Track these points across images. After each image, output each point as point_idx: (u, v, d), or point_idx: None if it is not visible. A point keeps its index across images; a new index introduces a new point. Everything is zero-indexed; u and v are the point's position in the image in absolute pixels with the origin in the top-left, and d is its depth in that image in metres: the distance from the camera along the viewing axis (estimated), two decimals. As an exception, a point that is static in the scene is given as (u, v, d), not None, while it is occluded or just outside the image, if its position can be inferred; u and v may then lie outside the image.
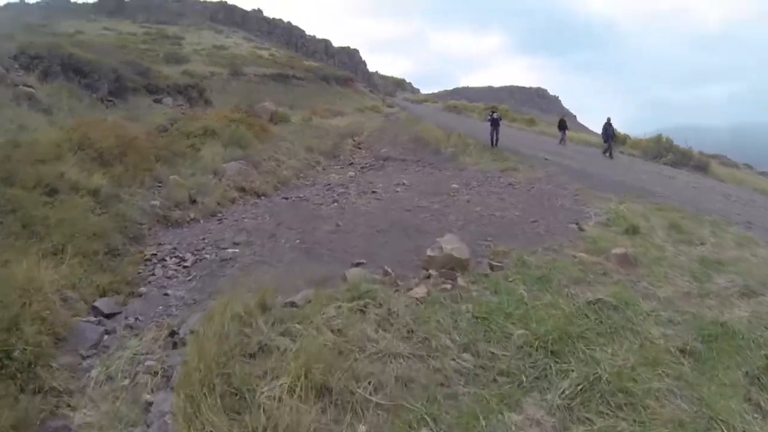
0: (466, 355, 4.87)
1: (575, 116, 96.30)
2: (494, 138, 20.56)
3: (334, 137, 25.50)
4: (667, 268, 7.27)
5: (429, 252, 7.17)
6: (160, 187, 12.76)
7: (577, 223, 9.73)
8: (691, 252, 8.27)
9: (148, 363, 5.08)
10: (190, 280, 7.47)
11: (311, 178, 17.43)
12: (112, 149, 12.23)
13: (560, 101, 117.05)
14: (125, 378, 4.93)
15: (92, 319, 6.22)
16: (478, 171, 16.24)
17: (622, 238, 8.69)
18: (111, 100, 21.93)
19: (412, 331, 5.17)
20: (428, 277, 6.68)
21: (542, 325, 5.16)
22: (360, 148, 24.33)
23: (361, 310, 5.47)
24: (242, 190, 14.44)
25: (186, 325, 5.69)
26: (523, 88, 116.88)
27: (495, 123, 20.61)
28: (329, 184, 15.04)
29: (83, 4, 69.84)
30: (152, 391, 4.70)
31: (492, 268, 7.07)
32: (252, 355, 4.68)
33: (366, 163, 19.70)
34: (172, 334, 5.66)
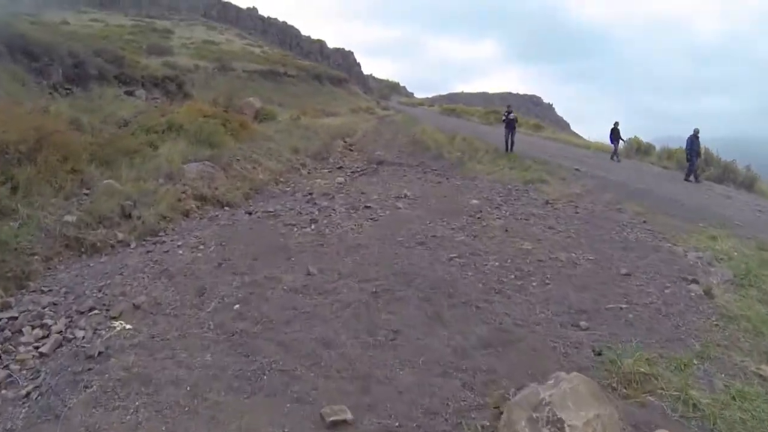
0: None
1: (568, 124, 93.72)
2: (509, 142, 17.31)
3: (324, 138, 22.25)
4: None
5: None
6: (88, 195, 9.48)
7: (693, 281, 6.52)
8: None
9: None
10: (25, 398, 3.93)
11: (293, 183, 14.16)
12: (18, 144, 8.90)
13: (554, 109, 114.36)
14: None
15: None
16: (495, 181, 13.06)
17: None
18: (68, 89, 18.59)
19: None
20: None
21: None
22: (351, 150, 21.10)
23: None
24: (201, 198, 11.16)
25: None
26: (517, 95, 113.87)
27: (511, 125, 17.33)
28: (311, 194, 11.76)
29: (74, -4, 66.03)
30: None
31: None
32: None
33: (358, 167, 16.44)
34: None
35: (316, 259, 7.19)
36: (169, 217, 9.64)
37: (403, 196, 11.01)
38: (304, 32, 78.02)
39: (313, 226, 8.89)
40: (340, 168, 17.01)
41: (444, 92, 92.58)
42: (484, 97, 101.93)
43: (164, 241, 8.20)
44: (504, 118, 17.81)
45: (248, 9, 72.07)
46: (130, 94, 22.70)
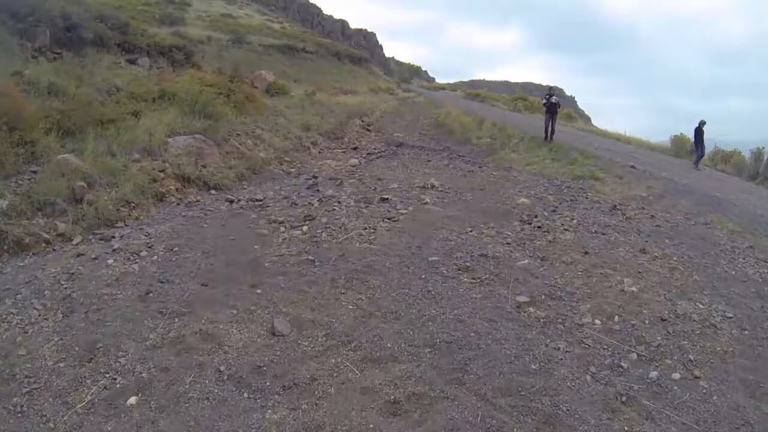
0: None
1: (590, 118, 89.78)
2: (550, 130, 14.77)
3: (340, 116, 19.99)
4: None
5: None
6: (36, 173, 7.40)
7: None
8: None
9: None
10: None
11: (299, 164, 11.99)
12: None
13: (576, 101, 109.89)
14: None
15: None
16: (538, 174, 10.69)
17: None
18: (58, 53, 16.52)
19: None
20: None
21: None
22: (369, 131, 18.84)
23: None
24: (184, 179, 9.04)
25: None
26: (540, 85, 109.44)
27: (552, 109, 14.68)
28: (315, 177, 9.57)
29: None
30: None
31: None
32: None
33: (375, 149, 14.20)
34: None
35: (295, 293, 4.77)
36: (134, 203, 7.52)
37: (429, 186, 8.70)
38: (327, 12, 75.14)
39: (306, 227, 6.60)
40: (355, 149, 14.79)
41: (465, 78, 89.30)
42: (506, 86, 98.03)
43: (114, 237, 6.07)
44: (544, 102, 15.17)
45: (270, -15, 69.14)
46: (132, 62, 20.54)
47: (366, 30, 78.19)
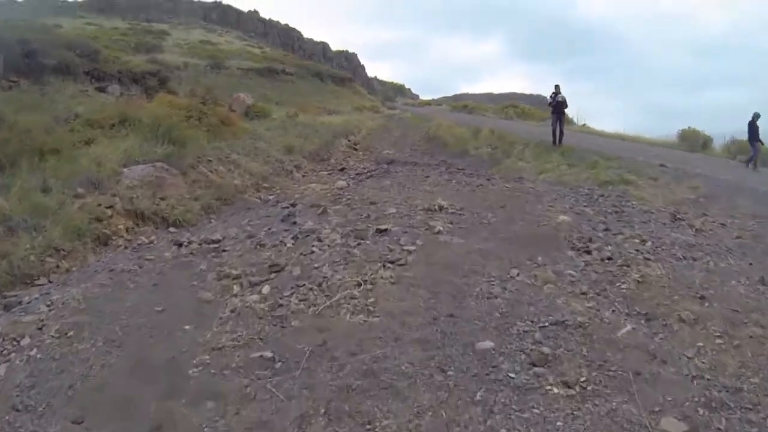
0: None
1: (585, 120, 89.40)
2: (558, 132, 13.43)
3: (325, 136, 18.51)
4: None
5: None
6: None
7: None
8: None
9: None
10: None
11: (279, 190, 10.43)
12: None
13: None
14: None
15: None
16: (557, 183, 9.17)
17: None
18: (14, 81, 14.97)
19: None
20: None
21: None
22: (356, 149, 17.40)
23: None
24: (137, 216, 7.43)
25: None
26: (523, 95, 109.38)
27: (559, 109, 13.26)
28: (293, 206, 7.92)
29: (73, 2, 62.86)
30: None
31: None
32: None
33: (364, 168, 12.70)
34: None
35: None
36: (65, 251, 5.89)
37: (436, 207, 6.94)
38: (307, 35, 74.46)
39: (268, 286, 4.72)
40: (342, 170, 13.27)
41: (449, 93, 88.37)
42: (489, 98, 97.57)
43: (21, 302, 4.43)
44: (550, 101, 13.61)
45: (249, 12, 68.27)
46: (101, 90, 19.01)
47: (347, 51, 77.70)
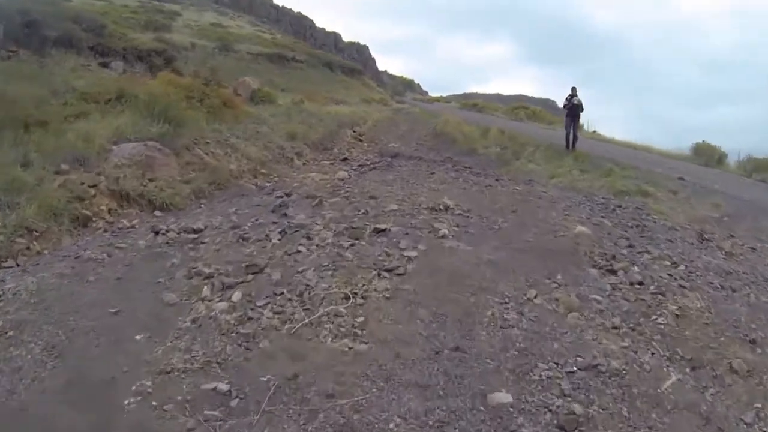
0: None
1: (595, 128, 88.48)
2: (572, 136, 12.78)
3: (330, 125, 18.01)
4: None
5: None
6: None
7: None
8: None
9: None
10: None
11: (276, 177, 9.95)
12: None
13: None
14: None
15: None
16: (568, 189, 8.64)
17: None
18: (13, 51, 14.49)
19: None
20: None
21: None
22: (361, 141, 16.90)
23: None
24: (122, 197, 6.96)
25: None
26: (531, 98, 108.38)
27: (574, 112, 12.64)
28: (287, 195, 7.40)
29: (86, -22, 62.10)
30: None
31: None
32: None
33: (367, 160, 12.22)
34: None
35: None
36: (37, 231, 5.43)
37: (442, 207, 6.37)
38: (319, 24, 73.69)
39: (240, 292, 4.09)
40: (344, 160, 12.80)
41: (458, 92, 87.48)
42: (499, 98, 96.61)
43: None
44: (566, 103, 12.85)
45: (263, -3, 67.56)
46: (104, 65, 18.53)
47: (359, 43, 76.82)
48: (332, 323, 3.72)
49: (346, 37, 75.80)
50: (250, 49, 32.40)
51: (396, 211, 6.25)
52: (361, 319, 3.78)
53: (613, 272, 4.91)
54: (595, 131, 21.96)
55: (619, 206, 7.63)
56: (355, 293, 4.13)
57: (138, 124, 9.13)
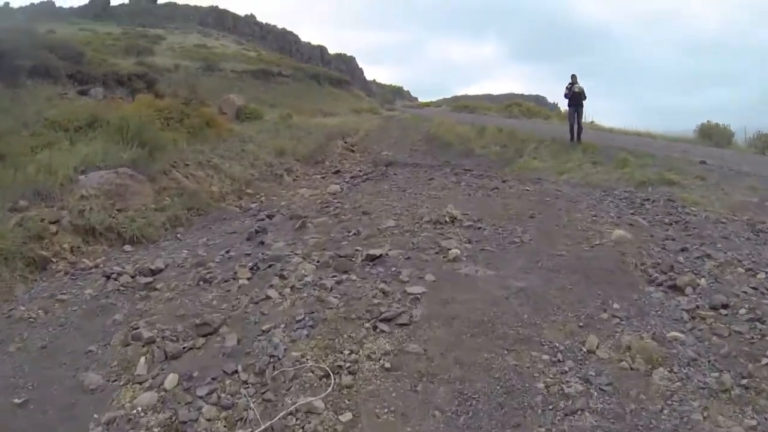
0: None
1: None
2: (576, 127, 11.92)
3: (319, 138, 17.33)
4: None
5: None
6: None
7: None
8: None
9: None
10: None
11: (263, 196, 9.22)
12: None
13: (560, 108, 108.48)
14: None
15: None
16: (583, 185, 7.90)
17: None
18: (-18, 83, 13.81)
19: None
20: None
21: None
22: (353, 151, 16.21)
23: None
24: (88, 232, 6.21)
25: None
26: (522, 95, 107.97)
27: (577, 100, 11.75)
28: (269, 218, 6.63)
29: (69, 8, 61.85)
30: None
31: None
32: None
33: (360, 171, 11.51)
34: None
35: None
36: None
37: (448, 219, 5.48)
38: (304, 39, 73.39)
39: (173, 376, 3.06)
40: (336, 172, 12.09)
41: (448, 95, 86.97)
42: (489, 99, 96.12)
43: None
44: (566, 92, 11.90)
45: (246, 16, 67.24)
46: (83, 93, 17.84)
47: (345, 54, 76.62)
48: (302, 428, 2.61)
49: (332, 50, 75.54)
50: (234, 67, 31.82)
51: (394, 229, 5.39)
52: (347, 416, 2.66)
53: (679, 290, 3.91)
54: (593, 121, 21.30)
55: (647, 200, 6.78)
56: (340, 366, 3.03)
57: (109, 151, 8.41)
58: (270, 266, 4.46)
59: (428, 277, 4.17)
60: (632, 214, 6.07)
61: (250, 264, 4.58)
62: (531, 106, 26.62)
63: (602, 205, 6.43)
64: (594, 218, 5.76)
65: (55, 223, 6.08)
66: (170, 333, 3.54)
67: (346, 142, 18.31)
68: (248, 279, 4.33)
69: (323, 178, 11.73)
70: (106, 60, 22.79)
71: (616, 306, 3.74)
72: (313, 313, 3.63)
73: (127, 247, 5.98)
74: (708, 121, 16.09)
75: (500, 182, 7.85)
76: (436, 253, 4.70)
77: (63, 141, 9.01)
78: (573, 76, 11.68)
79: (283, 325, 3.52)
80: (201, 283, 4.37)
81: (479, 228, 5.45)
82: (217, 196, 8.48)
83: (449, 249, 4.73)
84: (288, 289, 4.05)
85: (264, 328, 3.52)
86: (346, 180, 10.25)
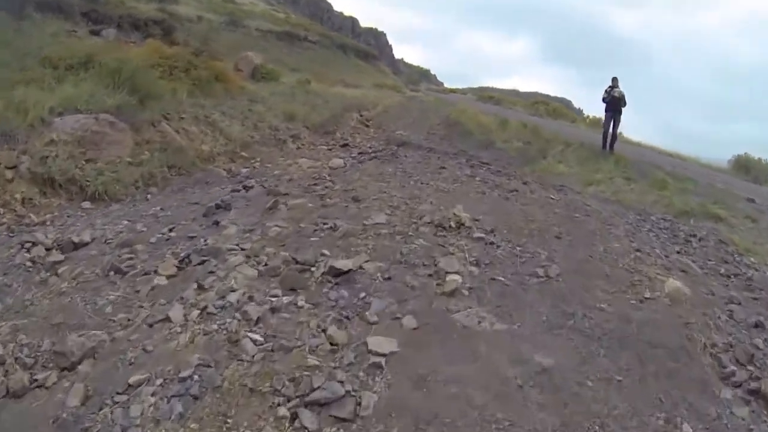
0: None
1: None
2: (611, 135, 10.92)
3: (335, 108, 16.48)
4: None
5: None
6: None
7: None
8: None
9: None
10: None
11: (258, 162, 8.44)
12: None
13: (583, 113, 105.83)
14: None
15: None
16: (611, 201, 6.91)
17: None
18: (-13, 12, 13.05)
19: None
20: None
21: None
22: (368, 126, 15.35)
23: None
24: (46, 183, 5.48)
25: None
26: (547, 96, 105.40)
27: (615, 106, 10.63)
28: (244, 189, 5.74)
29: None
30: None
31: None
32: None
33: (370, 147, 10.67)
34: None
35: None
36: None
37: (453, 224, 4.33)
38: (337, 8, 71.54)
39: None
40: (345, 146, 11.28)
41: (474, 85, 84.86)
42: (515, 94, 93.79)
43: None
44: (605, 96, 10.76)
45: (279, -24, 65.53)
46: (95, 33, 17.04)
47: (376, 29, 74.76)
48: None
49: (364, 23, 73.67)
50: (260, 26, 30.75)
51: (383, 227, 4.24)
52: None
53: (763, 397, 2.78)
54: (620, 132, 20.11)
55: (693, 236, 5.65)
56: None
57: (96, 94, 7.63)
58: (202, 263, 3.44)
59: (407, 322, 2.99)
60: (678, 252, 5.00)
61: (184, 254, 3.61)
62: (558, 106, 25.39)
63: (641, 234, 5.37)
64: (638, 254, 4.57)
65: (12, 168, 5.37)
66: (29, 353, 2.63)
67: (362, 116, 17.40)
68: (169, 278, 3.34)
69: (329, 149, 10.91)
70: (125, 2, 21.92)
71: (687, 429, 2.53)
72: (209, 367, 2.50)
73: (86, 204, 5.24)
74: (746, 154, 14.83)
75: (520, 183, 6.81)
76: (429, 275, 3.54)
77: (49, 79, 8.26)
78: (614, 79, 10.55)
79: (159, 382, 2.43)
80: (111, 273, 3.44)
81: (491, 243, 4.27)
82: (206, 156, 7.71)
83: (448, 273, 3.53)
84: (197, 311, 2.91)
85: (132, 380, 2.46)
86: (353, 155, 9.41)
